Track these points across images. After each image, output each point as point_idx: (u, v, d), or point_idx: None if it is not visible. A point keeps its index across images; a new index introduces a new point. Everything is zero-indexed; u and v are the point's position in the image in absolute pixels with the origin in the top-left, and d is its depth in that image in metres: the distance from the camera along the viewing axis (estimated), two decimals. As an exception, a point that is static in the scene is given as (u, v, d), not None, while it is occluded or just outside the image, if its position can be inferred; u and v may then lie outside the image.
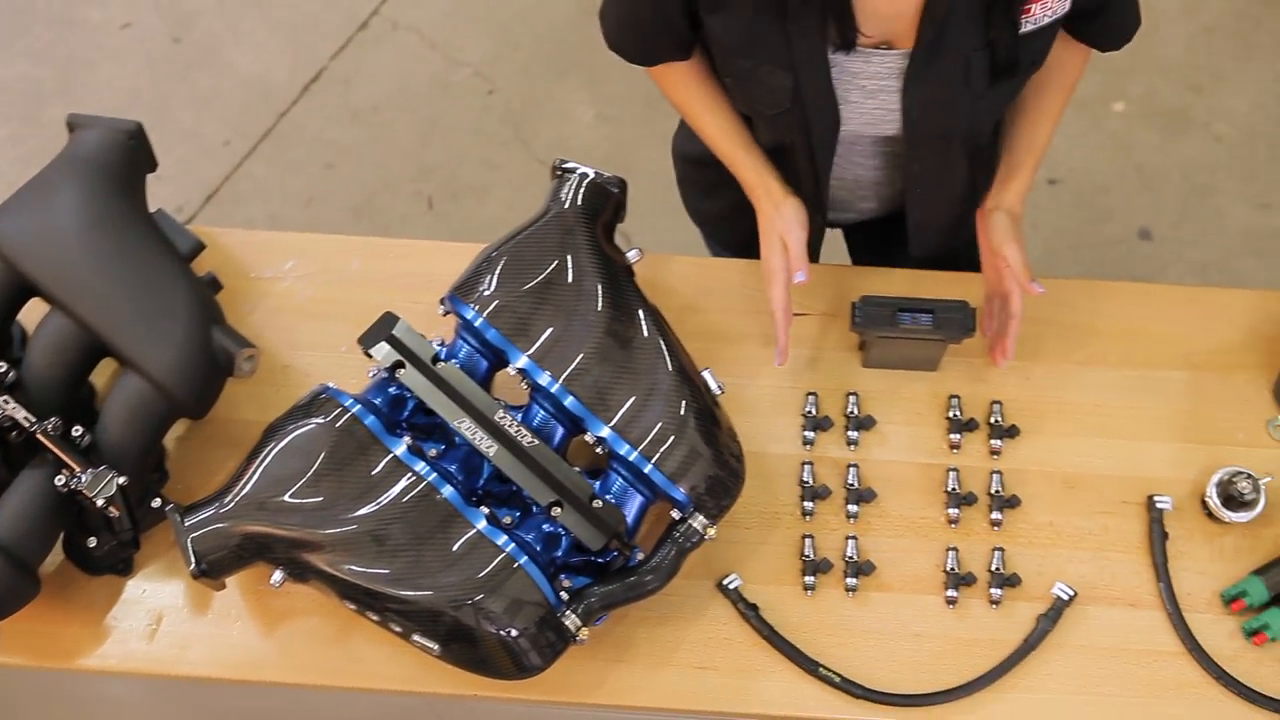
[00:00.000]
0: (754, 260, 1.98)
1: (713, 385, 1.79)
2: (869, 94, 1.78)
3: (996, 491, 1.88)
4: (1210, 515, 1.86)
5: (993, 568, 1.84)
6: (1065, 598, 1.82)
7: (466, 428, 1.74)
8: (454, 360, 1.80)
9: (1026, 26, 1.70)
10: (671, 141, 2.25)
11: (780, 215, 1.88)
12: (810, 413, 1.92)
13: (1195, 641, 1.80)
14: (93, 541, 1.80)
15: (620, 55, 1.92)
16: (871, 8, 1.67)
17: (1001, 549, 1.85)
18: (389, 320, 1.79)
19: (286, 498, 1.70)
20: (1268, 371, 1.95)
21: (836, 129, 1.81)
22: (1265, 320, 1.99)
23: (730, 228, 2.21)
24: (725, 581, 1.83)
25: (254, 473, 1.72)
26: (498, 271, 1.79)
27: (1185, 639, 1.81)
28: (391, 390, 1.79)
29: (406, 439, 1.74)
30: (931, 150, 1.86)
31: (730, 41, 1.76)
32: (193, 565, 1.71)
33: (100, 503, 1.73)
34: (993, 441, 1.91)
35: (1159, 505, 1.86)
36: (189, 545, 1.71)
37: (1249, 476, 1.83)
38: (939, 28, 1.68)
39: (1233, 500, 1.84)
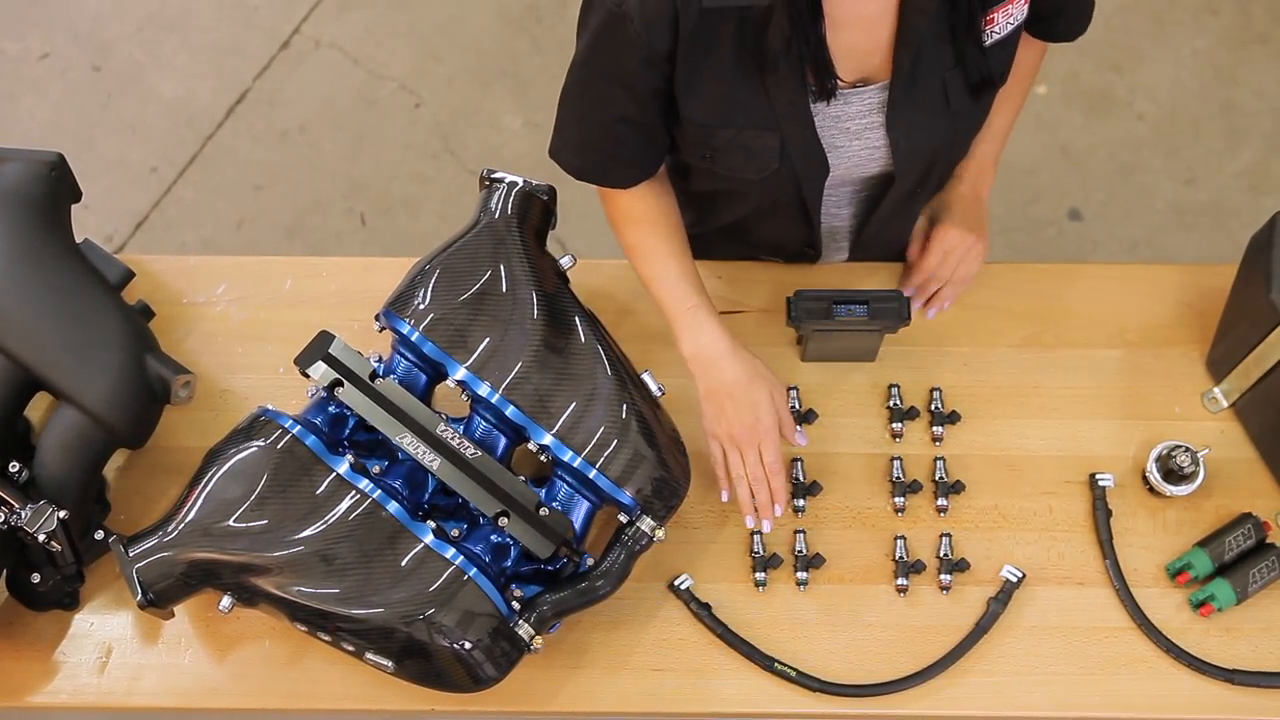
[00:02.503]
0: (697, 262, 1.98)
1: (653, 387, 1.80)
2: (854, 135, 1.77)
3: (941, 478, 1.89)
4: (1151, 490, 1.88)
5: (941, 554, 1.85)
6: (1014, 580, 1.83)
7: (408, 443, 1.73)
8: (392, 376, 1.79)
9: (991, 38, 1.70)
10: None
11: (764, 373, 1.80)
12: (752, 409, 1.92)
13: (1144, 616, 1.82)
14: (36, 577, 1.78)
15: (591, 181, 1.84)
16: (847, 47, 1.67)
17: (949, 535, 1.86)
18: (325, 339, 1.78)
19: (231, 522, 1.69)
20: (1200, 345, 1.98)
21: (825, 176, 1.81)
22: (1195, 294, 2.02)
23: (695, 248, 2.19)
24: (677, 582, 1.83)
25: (197, 499, 1.71)
26: (431, 285, 1.78)
27: (1134, 614, 1.82)
28: (331, 409, 1.78)
29: (349, 457, 1.73)
30: (915, 177, 1.86)
31: (709, 116, 1.72)
32: (139, 595, 1.69)
33: (41, 538, 1.71)
34: (934, 428, 1.92)
35: (1101, 483, 1.88)
36: (134, 575, 1.69)
37: (1187, 450, 1.85)
38: (914, 55, 1.68)
39: (1173, 474, 1.86)
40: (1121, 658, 1.81)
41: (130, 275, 1.96)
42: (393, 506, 1.70)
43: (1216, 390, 1.94)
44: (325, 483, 1.70)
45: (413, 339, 1.77)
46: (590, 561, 1.76)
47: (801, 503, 1.88)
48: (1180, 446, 1.86)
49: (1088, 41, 3.52)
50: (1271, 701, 1.79)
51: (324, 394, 1.78)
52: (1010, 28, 1.72)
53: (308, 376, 1.77)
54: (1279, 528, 1.87)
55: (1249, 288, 1.83)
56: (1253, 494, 1.89)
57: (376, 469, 1.76)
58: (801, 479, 1.88)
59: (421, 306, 1.78)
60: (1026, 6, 1.72)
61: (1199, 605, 1.82)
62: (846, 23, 1.64)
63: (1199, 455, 1.86)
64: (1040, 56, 1.99)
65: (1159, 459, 1.87)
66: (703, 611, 1.82)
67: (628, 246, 1.88)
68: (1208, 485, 1.88)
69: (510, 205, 1.83)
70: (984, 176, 1.99)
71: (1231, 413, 1.94)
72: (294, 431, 1.72)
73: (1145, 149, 3.46)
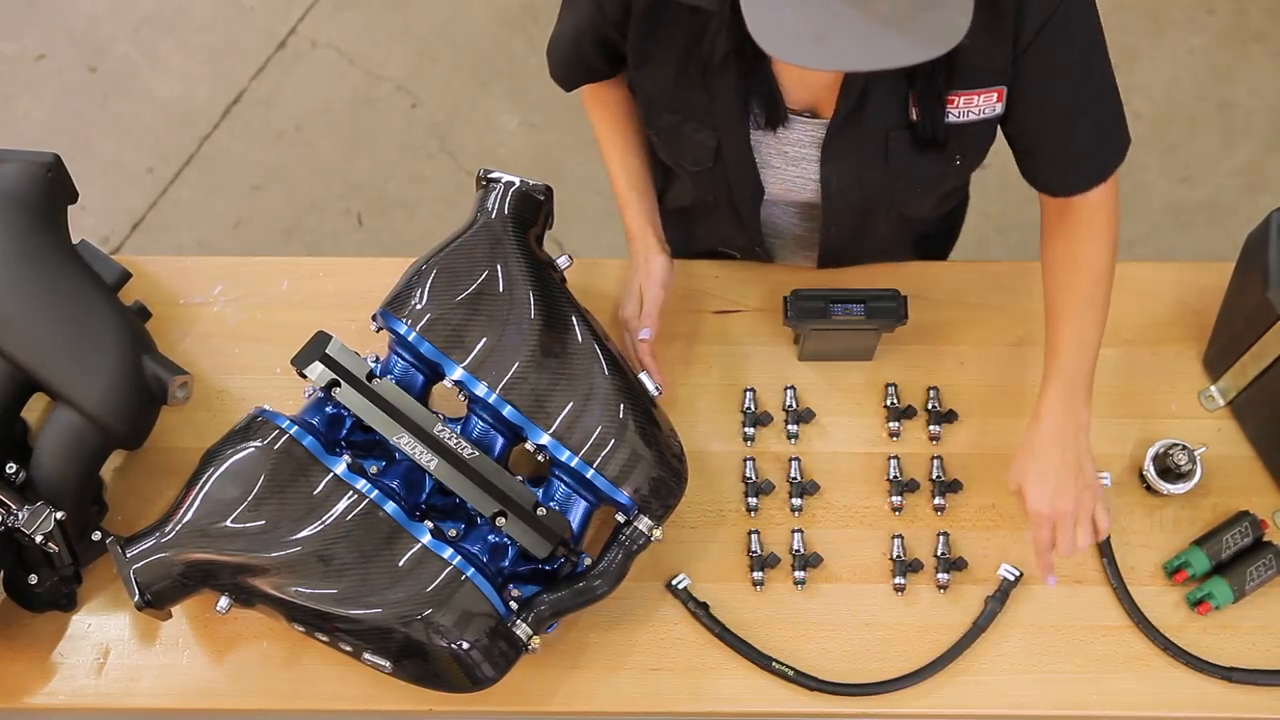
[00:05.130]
0: (686, 260, 1.99)
1: (650, 387, 1.80)
2: (791, 161, 1.78)
3: (938, 477, 1.89)
4: (1149, 488, 1.88)
5: (938, 553, 1.85)
6: (1011, 578, 1.83)
7: (406, 443, 1.73)
8: (389, 376, 1.79)
9: (950, 117, 1.68)
10: None
11: (647, 269, 1.89)
12: (749, 409, 1.93)
13: (1141, 614, 1.82)
14: (34, 578, 1.78)
15: (554, 79, 1.91)
16: (795, 75, 1.67)
17: (946, 534, 1.86)
18: (322, 339, 1.78)
19: (228, 523, 1.69)
20: (1197, 343, 1.98)
21: (759, 195, 1.82)
22: (1192, 293, 2.02)
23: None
24: (674, 582, 1.83)
25: (194, 500, 1.71)
26: (428, 285, 1.78)
27: (1131, 613, 1.83)
28: (328, 409, 1.78)
29: (346, 457, 1.73)
30: (851, 218, 1.86)
31: (656, 95, 1.76)
32: (137, 597, 1.69)
33: (39, 539, 1.71)
34: (931, 427, 1.92)
35: (1098, 481, 1.87)
36: (132, 577, 1.69)
37: (1184, 448, 1.85)
38: (857, 98, 1.67)
39: (1170, 472, 1.86)
40: (1119, 656, 1.81)
41: (127, 276, 1.96)
42: (390, 507, 1.70)
43: (1213, 388, 1.94)
44: (323, 483, 1.70)
45: (410, 339, 1.77)
46: (588, 561, 1.76)
47: (799, 502, 1.88)
48: (1177, 445, 1.86)
49: (1084, 40, 3.54)
50: (1269, 699, 1.79)
51: (321, 394, 1.78)
52: (973, 117, 1.68)
53: (305, 377, 1.77)
54: (1276, 526, 1.87)
55: (1246, 286, 1.83)
56: (1250, 492, 1.89)
57: (374, 469, 1.75)
58: (799, 478, 1.88)
59: (418, 307, 1.77)
60: (1000, 105, 1.67)
61: (1196, 603, 1.82)
62: None
63: (1196, 454, 1.86)
64: (1099, 254, 1.76)
65: (1156, 457, 1.87)
66: (700, 611, 1.82)
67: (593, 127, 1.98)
68: (1205, 483, 1.88)
69: (507, 205, 1.83)
70: (1062, 405, 1.74)
71: (1228, 411, 1.94)
72: (291, 432, 1.72)
73: (1142, 148, 3.46)
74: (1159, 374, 1.97)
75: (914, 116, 1.67)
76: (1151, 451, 1.87)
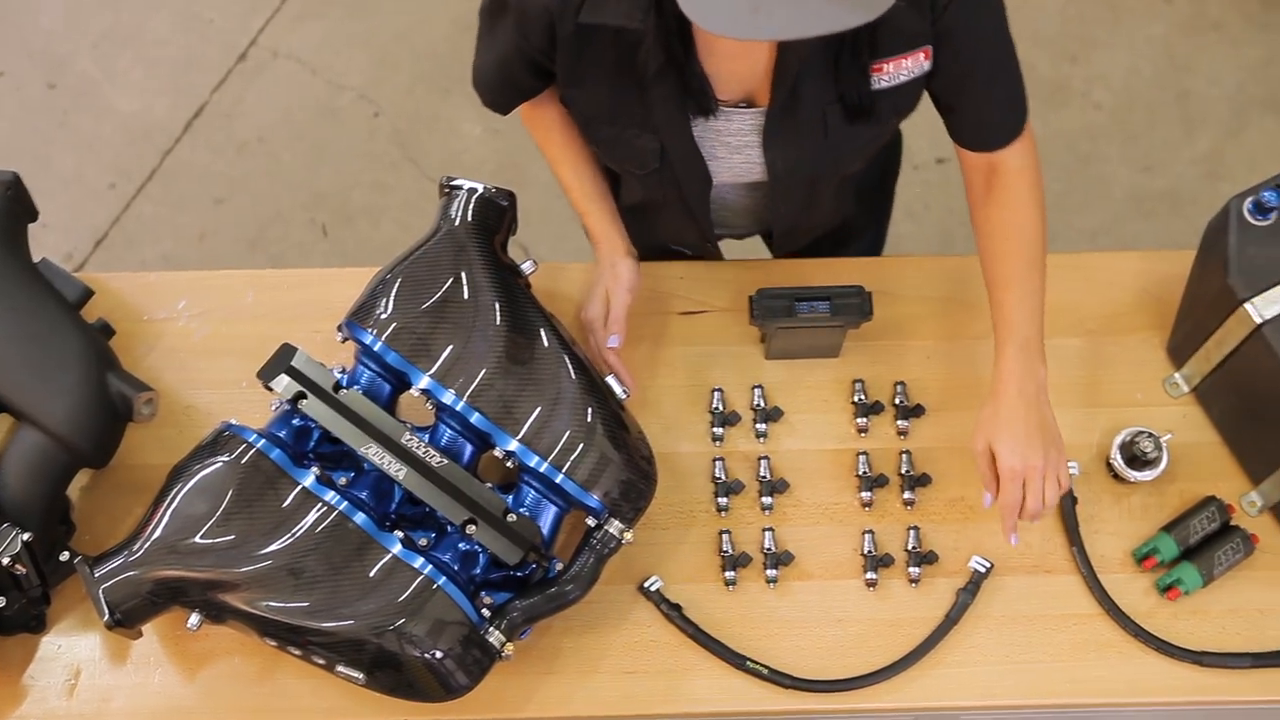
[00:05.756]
0: (651, 263, 1.99)
1: (617, 390, 1.80)
2: (734, 149, 1.79)
3: (907, 471, 1.90)
4: (1116, 476, 1.89)
5: (909, 547, 1.86)
6: (983, 570, 1.84)
7: (374, 453, 1.73)
8: (356, 386, 1.79)
9: (880, 84, 1.70)
10: None
11: (614, 274, 1.89)
12: (717, 409, 1.93)
13: (1112, 602, 1.83)
14: (2, 601, 1.76)
15: (488, 105, 1.92)
16: (727, 71, 1.69)
17: (916, 527, 1.87)
18: (287, 351, 1.77)
19: (197, 539, 1.68)
20: (1160, 331, 1.99)
21: (708, 185, 1.83)
22: (1154, 281, 2.03)
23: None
24: (646, 584, 1.83)
25: (162, 516, 1.70)
26: (393, 294, 1.78)
27: (1102, 600, 1.83)
28: (295, 422, 1.78)
29: (315, 469, 1.72)
30: (798, 192, 1.88)
31: (592, 111, 1.77)
32: (106, 616, 1.68)
33: (5, 561, 1.70)
34: (899, 422, 1.93)
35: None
36: (101, 596, 1.68)
37: (1150, 435, 1.86)
38: (792, 86, 1.69)
39: (1137, 460, 1.87)
40: (1090, 643, 1.82)
41: (89, 293, 1.95)
42: (360, 518, 1.69)
43: (1177, 375, 1.95)
44: (291, 496, 1.70)
45: (375, 349, 1.76)
46: (559, 566, 1.76)
47: (769, 500, 1.88)
48: (1143, 432, 1.87)
49: (1042, 33, 3.57)
50: (1240, 681, 1.80)
51: (288, 407, 1.78)
52: (904, 79, 1.70)
53: (271, 390, 1.76)
54: (1243, 510, 1.88)
55: (1207, 273, 1.84)
56: (1216, 477, 1.91)
57: (343, 480, 1.75)
58: (768, 476, 1.89)
59: (384, 316, 1.77)
60: (928, 61, 1.69)
61: (1166, 589, 1.83)
62: (721, 52, 1.66)
63: (1162, 440, 1.87)
64: (1028, 224, 1.79)
65: (1122, 445, 1.88)
66: (673, 613, 1.82)
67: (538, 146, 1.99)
68: (1171, 470, 1.89)
69: (470, 212, 1.83)
70: (1020, 366, 1.75)
71: (1193, 397, 1.95)
72: (258, 446, 1.72)
73: (1102, 138, 3.48)
74: (1123, 363, 1.98)
75: (843, 92, 1.70)
76: (1118, 440, 1.88)
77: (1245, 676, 1.80)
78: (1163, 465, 1.87)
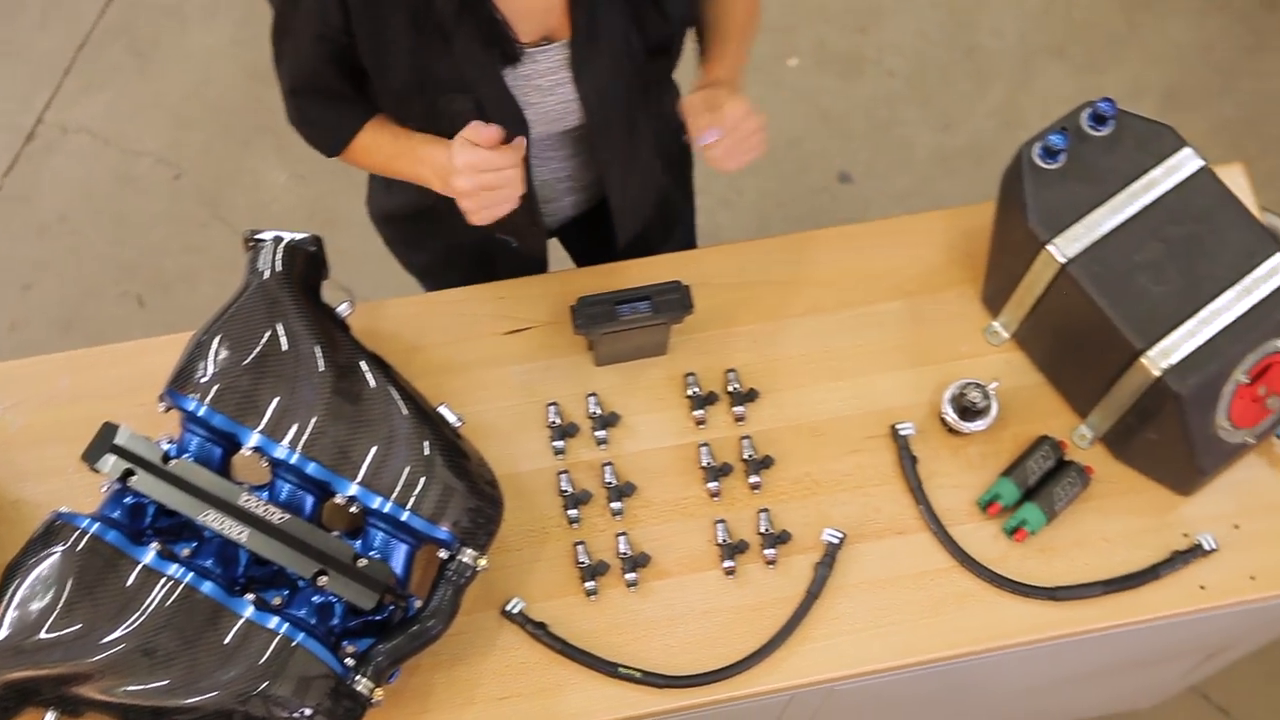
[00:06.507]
0: (468, 287, 1.99)
1: (451, 419, 1.79)
2: (546, 91, 1.80)
3: (749, 456, 1.91)
4: (951, 430, 1.93)
5: (762, 530, 1.87)
6: (836, 541, 1.86)
7: (213, 519, 1.70)
8: (186, 455, 1.75)
9: None
10: (366, 208, 2.25)
11: (451, 143, 1.77)
12: (555, 422, 1.93)
13: (964, 553, 1.87)
14: None
15: (317, 148, 1.91)
16: (524, 8, 1.70)
17: (766, 510, 1.89)
18: (110, 430, 1.73)
19: (42, 635, 1.63)
20: (974, 283, 2.04)
21: (526, 134, 1.82)
22: (962, 236, 2.07)
23: (447, 273, 2.21)
24: (509, 607, 1.82)
25: (2, 618, 1.65)
26: (211, 355, 1.75)
27: (954, 552, 1.87)
28: (128, 500, 1.74)
29: (155, 545, 1.68)
30: (617, 134, 1.89)
31: (401, 85, 1.76)
32: (-45, 730, 1.63)
33: None
34: (735, 409, 1.95)
35: (902, 432, 1.92)
36: (-53, 711, 1.63)
37: (978, 385, 1.91)
38: (591, 12, 1.72)
39: (968, 411, 1.91)
40: (950, 596, 1.86)
41: (-105, 400, 1.88)
42: (207, 586, 1.66)
43: (996, 324, 2.00)
44: (133, 575, 1.65)
45: (200, 414, 1.73)
46: (418, 603, 1.75)
47: (618, 505, 1.88)
48: (971, 383, 1.91)
49: (830, 9, 3.63)
50: (1095, 610, 1.85)
51: (118, 486, 1.73)
52: None
53: (98, 471, 1.72)
54: (1075, 444, 1.94)
55: (1009, 221, 1.89)
56: (1046, 416, 1.96)
57: (186, 551, 1.71)
58: (614, 482, 1.89)
59: (204, 380, 1.74)
60: None
61: (1013, 532, 1.88)
62: None
63: (989, 389, 1.91)
64: None
65: (953, 399, 1.92)
66: (539, 631, 1.81)
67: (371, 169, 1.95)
68: (1002, 416, 1.93)
69: (278, 262, 1.81)
70: (734, 68, 1.90)
71: (1014, 342, 2.00)
72: (92, 530, 1.67)
73: (900, 103, 3.55)
74: (944, 319, 2.02)
75: (637, 10, 1.74)
76: (947, 394, 1.92)
77: (1099, 605, 1.85)
78: (993, 413, 1.91)
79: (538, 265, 2.18)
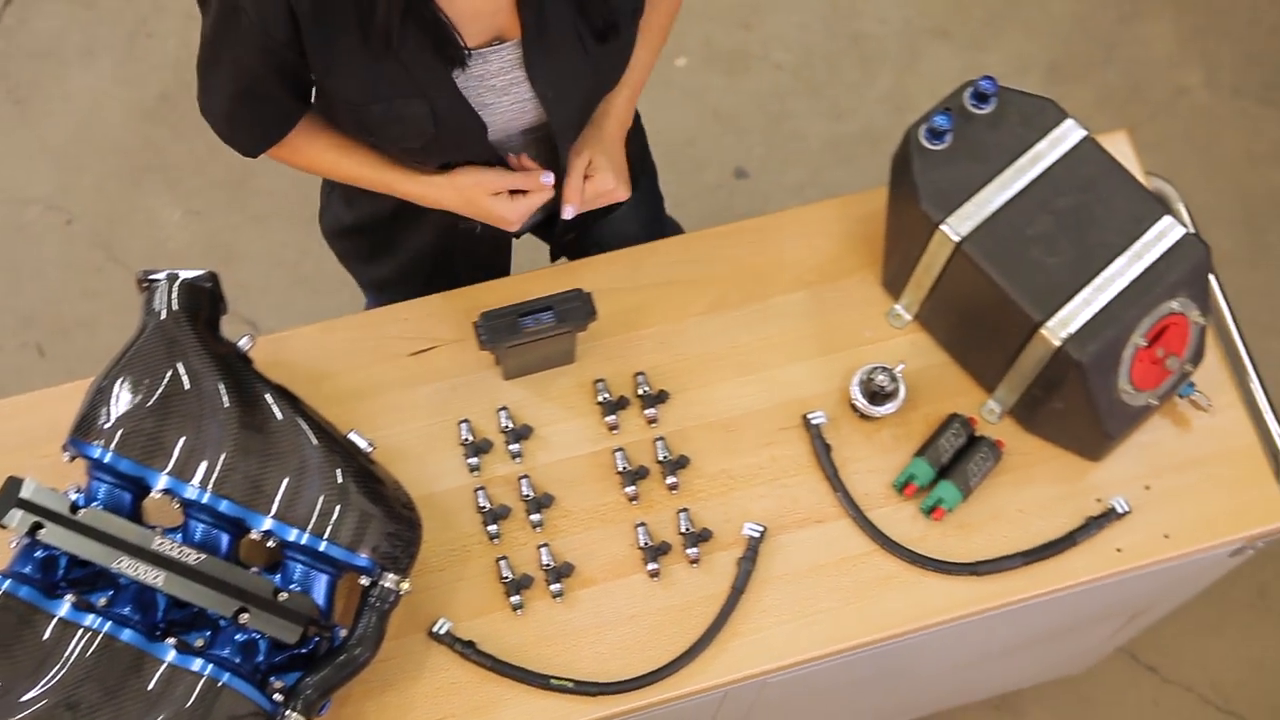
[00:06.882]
0: (370, 310, 1.98)
1: (362, 445, 1.78)
2: (501, 91, 1.80)
3: (665, 457, 1.92)
4: (862, 415, 1.95)
5: (683, 530, 1.88)
6: (757, 535, 1.87)
7: (127, 565, 1.67)
8: (95, 503, 1.72)
9: None
10: (320, 225, 2.24)
11: (464, 178, 1.85)
12: (468, 440, 1.92)
13: (884, 536, 1.88)
14: None
15: (235, 147, 1.88)
16: (470, 11, 1.70)
17: (686, 509, 1.89)
18: (13, 484, 1.70)
19: (-41, 699, 1.60)
20: (874, 269, 2.05)
21: (484, 134, 1.82)
22: (857, 222, 2.09)
23: (407, 284, 2.19)
24: (435, 628, 1.81)
25: (-83, 684, 1.62)
26: (112, 400, 1.72)
27: (875, 536, 1.89)
28: (39, 553, 1.70)
29: (70, 597, 1.65)
30: (578, 122, 1.91)
31: (354, 94, 1.74)
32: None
33: None
34: (647, 411, 1.95)
35: (814, 421, 1.93)
36: None
37: (884, 369, 1.92)
38: (539, 10, 1.72)
39: (877, 395, 1.93)
40: (874, 580, 1.87)
41: None
42: (127, 634, 1.64)
43: (898, 306, 2.02)
44: (49, 630, 1.63)
45: (106, 461, 1.70)
46: (343, 633, 1.73)
47: (538, 517, 1.88)
48: (878, 368, 1.93)
49: (713, 8, 3.64)
50: (1016, 582, 1.87)
51: (27, 540, 1.70)
52: None
53: (4, 527, 1.69)
54: (984, 419, 1.96)
55: (901, 205, 1.91)
56: (954, 394, 1.98)
57: (102, 600, 1.69)
58: (532, 494, 1.89)
59: (107, 425, 1.71)
60: None
61: (930, 511, 1.90)
62: None
63: (896, 371, 1.93)
64: None
65: (861, 384, 1.93)
66: (468, 650, 1.81)
67: (311, 169, 1.95)
68: (911, 398, 1.95)
69: (174, 301, 1.79)
70: (628, 112, 1.99)
71: (917, 324, 2.02)
72: (4, 587, 1.64)
73: (790, 96, 3.57)
74: (846, 307, 2.04)
75: (583, 4, 1.75)
76: (855, 380, 1.93)
77: (1020, 576, 1.88)
78: (902, 395, 1.93)
79: (501, 263, 2.20)
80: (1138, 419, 1.89)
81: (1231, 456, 1.97)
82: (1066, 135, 1.87)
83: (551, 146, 1.91)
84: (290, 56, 1.70)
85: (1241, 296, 2.23)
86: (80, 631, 1.63)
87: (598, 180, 1.90)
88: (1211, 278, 1.98)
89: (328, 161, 1.90)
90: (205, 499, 1.69)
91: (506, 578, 1.84)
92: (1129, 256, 1.81)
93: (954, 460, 1.91)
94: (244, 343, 1.82)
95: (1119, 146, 2.11)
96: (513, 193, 1.85)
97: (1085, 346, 1.76)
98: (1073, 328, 1.76)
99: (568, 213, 1.89)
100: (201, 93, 1.83)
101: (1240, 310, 2.11)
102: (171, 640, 1.65)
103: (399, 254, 2.14)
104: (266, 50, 1.69)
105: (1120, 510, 1.91)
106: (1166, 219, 1.83)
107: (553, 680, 1.79)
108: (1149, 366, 1.83)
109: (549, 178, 1.85)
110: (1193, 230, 1.86)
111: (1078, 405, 1.83)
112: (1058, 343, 1.76)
